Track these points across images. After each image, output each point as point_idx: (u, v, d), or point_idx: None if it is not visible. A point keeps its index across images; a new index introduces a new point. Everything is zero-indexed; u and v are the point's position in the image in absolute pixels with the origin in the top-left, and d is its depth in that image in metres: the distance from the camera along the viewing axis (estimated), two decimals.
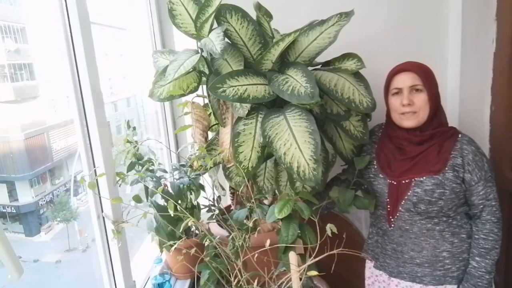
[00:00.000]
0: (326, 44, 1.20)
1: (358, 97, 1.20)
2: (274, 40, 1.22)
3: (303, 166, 1.03)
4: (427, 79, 1.22)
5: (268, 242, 1.03)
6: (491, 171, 1.21)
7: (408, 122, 1.23)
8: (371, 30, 1.56)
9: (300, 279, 1.03)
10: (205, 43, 1.10)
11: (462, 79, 1.56)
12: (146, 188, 1.26)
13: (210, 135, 1.37)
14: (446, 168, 1.20)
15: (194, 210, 1.36)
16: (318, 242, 1.04)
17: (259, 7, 1.21)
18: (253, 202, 1.22)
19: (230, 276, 1.13)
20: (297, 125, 1.06)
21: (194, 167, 1.29)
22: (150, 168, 1.31)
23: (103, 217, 1.18)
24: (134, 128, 1.29)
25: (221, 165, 1.30)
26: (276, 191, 1.32)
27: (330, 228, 1.01)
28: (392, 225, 1.30)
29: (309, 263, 1.01)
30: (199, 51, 1.22)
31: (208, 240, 1.15)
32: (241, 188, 1.30)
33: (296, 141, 1.04)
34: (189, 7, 1.25)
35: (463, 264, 1.25)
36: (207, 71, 1.30)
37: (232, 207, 1.50)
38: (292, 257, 1.03)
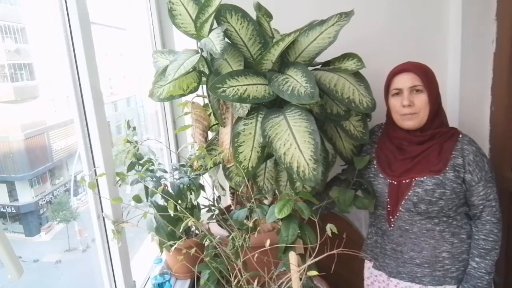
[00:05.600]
0: (326, 44, 1.20)
1: (358, 97, 1.20)
2: (274, 40, 1.22)
3: (303, 166, 1.03)
4: (427, 79, 1.21)
5: (268, 242, 1.03)
6: (491, 172, 1.21)
7: (409, 123, 1.23)
8: (371, 30, 1.56)
9: (300, 279, 1.03)
10: (205, 43, 1.10)
11: (462, 79, 1.56)
12: (146, 188, 1.26)
13: (210, 135, 1.37)
14: (447, 168, 1.20)
15: (194, 210, 1.36)
16: (318, 242, 1.04)
17: (259, 7, 1.21)
18: (253, 202, 1.22)
19: (230, 276, 1.13)
20: (297, 125, 1.06)
21: (194, 167, 1.29)
22: (150, 168, 1.31)
23: (103, 217, 1.18)
24: (134, 128, 1.29)
25: (221, 165, 1.30)
26: (276, 191, 1.32)
27: (330, 228, 1.01)
28: (392, 225, 1.30)
29: (309, 263, 1.01)
30: (199, 51, 1.22)
31: (208, 240, 1.15)
32: (241, 188, 1.30)
33: (296, 141, 1.04)
34: (189, 7, 1.25)
35: (463, 265, 1.25)
36: (207, 71, 1.30)
37: (232, 207, 1.49)
38: (292, 257, 1.03)
